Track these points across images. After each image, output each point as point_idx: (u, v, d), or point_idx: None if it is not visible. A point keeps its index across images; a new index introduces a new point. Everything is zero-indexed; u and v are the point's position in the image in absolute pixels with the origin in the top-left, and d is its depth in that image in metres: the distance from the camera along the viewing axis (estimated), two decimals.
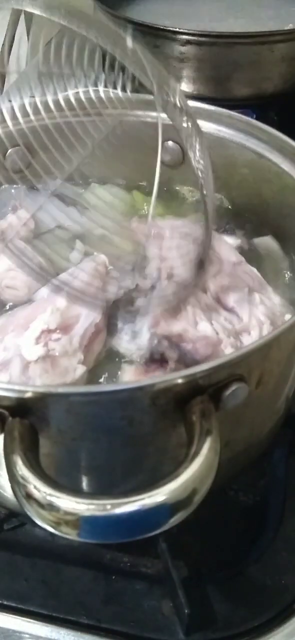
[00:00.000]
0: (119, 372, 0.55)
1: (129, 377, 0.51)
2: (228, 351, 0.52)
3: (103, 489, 0.49)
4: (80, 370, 0.51)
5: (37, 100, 0.79)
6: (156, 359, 0.50)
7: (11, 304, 0.62)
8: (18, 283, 0.61)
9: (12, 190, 0.74)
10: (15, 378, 0.50)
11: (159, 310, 0.54)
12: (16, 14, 1.48)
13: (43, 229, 0.71)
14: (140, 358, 0.52)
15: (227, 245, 0.65)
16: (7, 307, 0.61)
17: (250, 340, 0.55)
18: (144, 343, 0.55)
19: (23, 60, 1.60)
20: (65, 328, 0.53)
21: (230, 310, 0.57)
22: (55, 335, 0.52)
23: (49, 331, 0.52)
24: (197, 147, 0.53)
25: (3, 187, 0.74)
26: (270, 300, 0.60)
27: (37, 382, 0.49)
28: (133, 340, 0.57)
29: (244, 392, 0.43)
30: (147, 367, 0.50)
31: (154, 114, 0.76)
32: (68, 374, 0.51)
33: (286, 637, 0.51)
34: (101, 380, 0.55)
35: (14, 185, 0.74)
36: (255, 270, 0.63)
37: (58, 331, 0.52)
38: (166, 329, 0.52)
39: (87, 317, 0.55)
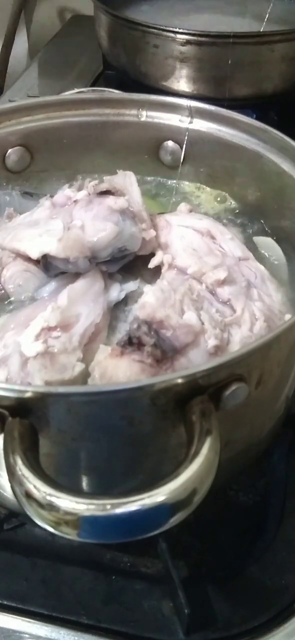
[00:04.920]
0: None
1: (104, 356, 0.51)
2: (211, 342, 0.52)
3: (103, 489, 0.49)
4: (79, 367, 0.51)
5: (37, 100, 0.79)
6: (134, 343, 0.50)
7: (16, 303, 0.62)
8: (31, 285, 0.61)
9: (7, 197, 0.72)
10: (14, 374, 0.50)
11: (150, 295, 0.54)
12: (16, 14, 1.48)
13: None
14: (118, 341, 0.52)
15: (235, 240, 0.64)
16: (11, 306, 0.61)
17: (240, 333, 0.54)
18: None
19: (23, 60, 1.60)
20: (65, 326, 0.53)
21: (225, 302, 0.57)
22: (55, 333, 0.52)
23: (49, 328, 0.52)
24: None
25: None
26: (271, 297, 0.59)
27: (35, 377, 0.49)
28: None
29: (244, 392, 0.43)
30: (123, 350, 0.50)
31: (153, 113, 0.76)
32: (66, 370, 0.50)
33: (286, 637, 0.51)
34: None
35: (8, 191, 0.73)
36: (262, 267, 0.62)
37: (58, 329, 0.52)
38: (150, 314, 0.52)
39: (87, 317, 0.55)
